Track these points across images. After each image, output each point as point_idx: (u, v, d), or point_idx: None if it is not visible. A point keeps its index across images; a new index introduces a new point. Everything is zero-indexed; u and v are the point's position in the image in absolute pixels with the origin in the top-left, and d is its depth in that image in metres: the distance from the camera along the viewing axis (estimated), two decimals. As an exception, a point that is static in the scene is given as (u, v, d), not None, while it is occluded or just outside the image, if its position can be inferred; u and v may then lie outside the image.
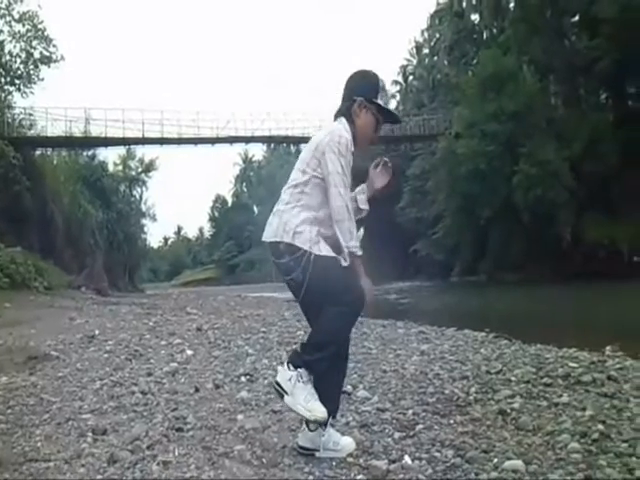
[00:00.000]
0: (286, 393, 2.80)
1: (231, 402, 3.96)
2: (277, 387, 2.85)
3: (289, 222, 2.86)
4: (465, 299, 22.99)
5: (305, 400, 2.78)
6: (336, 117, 3.06)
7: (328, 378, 2.96)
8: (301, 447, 2.93)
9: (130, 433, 3.24)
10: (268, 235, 2.94)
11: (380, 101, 3.04)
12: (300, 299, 2.92)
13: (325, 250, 2.85)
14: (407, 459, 2.78)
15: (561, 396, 3.90)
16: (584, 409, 3.55)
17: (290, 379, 2.80)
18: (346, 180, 2.88)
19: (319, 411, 2.78)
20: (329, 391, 2.95)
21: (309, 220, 2.88)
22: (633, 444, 2.91)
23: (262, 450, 2.96)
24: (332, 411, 2.96)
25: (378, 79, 3.10)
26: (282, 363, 2.93)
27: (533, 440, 3.06)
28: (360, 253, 2.84)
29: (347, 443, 2.93)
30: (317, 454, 2.88)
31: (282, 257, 2.85)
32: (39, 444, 3.16)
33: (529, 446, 2.97)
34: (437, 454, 2.86)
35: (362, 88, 3.05)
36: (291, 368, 2.82)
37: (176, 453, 2.92)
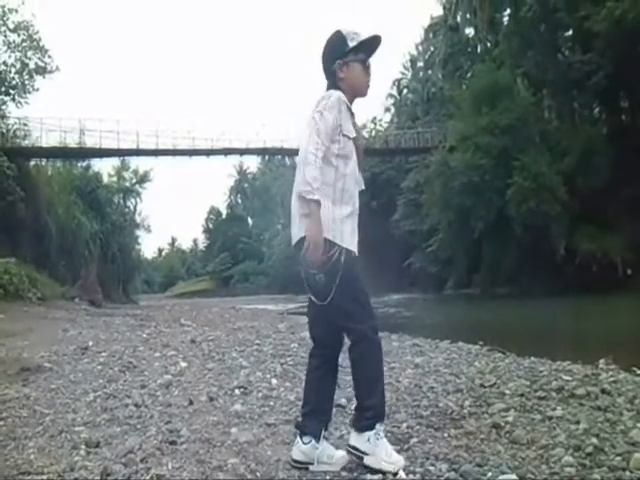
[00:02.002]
0: (366, 454, 2.80)
1: (225, 415, 3.95)
2: (354, 451, 2.85)
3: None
4: (459, 312, 23.01)
5: (387, 455, 2.81)
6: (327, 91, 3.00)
7: (321, 389, 2.97)
8: (295, 461, 2.91)
9: (123, 446, 3.22)
10: (295, 234, 2.90)
11: (352, 43, 2.98)
12: (328, 300, 2.79)
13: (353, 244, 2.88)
14: (401, 473, 2.77)
15: (555, 409, 3.90)
16: (578, 422, 3.55)
17: (369, 440, 2.81)
18: (324, 132, 2.81)
19: (400, 459, 2.84)
20: (322, 402, 2.96)
21: (330, 208, 2.83)
22: (627, 458, 2.92)
23: (256, 464, 2.94)
24: (325, 422, 2.98)
25: (339, 32, 3.02)
26: (354, 429, 2.91)
27: (527, 454, 3.06)
28: (309, 197, 2.71)
29: (341, 456, 2.91)
30: (311, 467, 2.86)
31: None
32: (32, 457, 3.14)
33: (523, 460, 2.97)
34: (431, 468, 2.85)
35: (332, 53, 3.01)
36: (365, 432, 2.82)
37: (170, 466, 2.91)
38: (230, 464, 2.93)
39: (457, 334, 9.91)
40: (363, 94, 3.07)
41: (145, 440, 3.33)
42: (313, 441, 2.88)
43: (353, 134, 2.95)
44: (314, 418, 2.93)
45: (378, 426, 2.83)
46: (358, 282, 2.89)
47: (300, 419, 3.05)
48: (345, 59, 2.98)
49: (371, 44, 3.03)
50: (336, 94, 2.90)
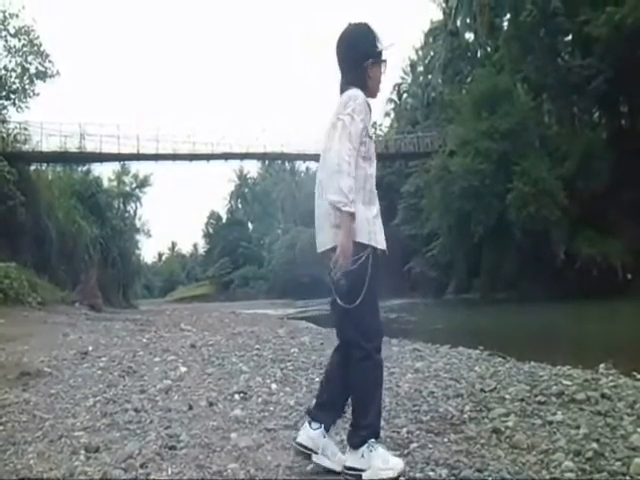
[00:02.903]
0: (362, 471, 2.76)
1: (225, 420, 3.94)
2: (351, 472, 2.79)
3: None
4: (459, 317, 23.01)
5: (384, 463, 2.77)
6: (344, 90, 2.95)
7: (339, 385, 2.95)
8: (299, 444, 2.89)
9: (123, 451, 3.22)
10: (323, 243, 2.88)
11: (381, 45, 2.97)
12: (354, 305, 2.77)
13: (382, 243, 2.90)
14: (401, 478, 2.77)
15: (555, 414, 3.89)
16: (578, 427, 3.54)
17: (363, 455, 2.78)
18: (355, 136, 2.78)
19: (399, 463, 2.81)
20: (337, 398, 2.96)
21: (362, 209, 2.83)
22: (627, 463, 2.91)
23: (255, 469, 2.94)
24: (336, 418, 3.00)
25: (369, 27, 2.99)
26: (348, 448, 2.87)
27: (527, 459, 3.05)
28: (346, 209, 2.69)
29: (343, 458, 2.91)
30: (313, 457, 2.86)
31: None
32: (31, 462, 3.14)
33: (523, 465, 2.96)
34: (431, 473, 2.84)
35: (365, 50, 2.95)
36: (359, 448, 2.80)
37: (169, 472, 2.91)
38: (230, 469, 2.93)
39: (457, 339, 9.92)
40: (375, 96, 3.06)
41: (145, 445, 3.33)
42: (322, 428, 2.88)
43: (372, 134, 2.96)
44: (326, 410, 2.93)
45: (369, 441, 2.80)
46: (377, 294, 2.89)
47: (312, 406, 3.04)
48: (376, 59, 2.96)
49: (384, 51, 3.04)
50: (362, 95, 2.88)
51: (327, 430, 2.90)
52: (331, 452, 2.90)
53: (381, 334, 2.93)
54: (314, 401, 3.09)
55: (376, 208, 2.94)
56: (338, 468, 2.87)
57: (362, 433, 2.81)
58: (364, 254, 2.78)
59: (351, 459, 2.81)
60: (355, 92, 2.88)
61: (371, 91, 2.99)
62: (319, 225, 2.93)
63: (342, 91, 2.98)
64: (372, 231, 2.84)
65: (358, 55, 2.96)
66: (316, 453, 2.87)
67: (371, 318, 2.84)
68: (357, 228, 2.78)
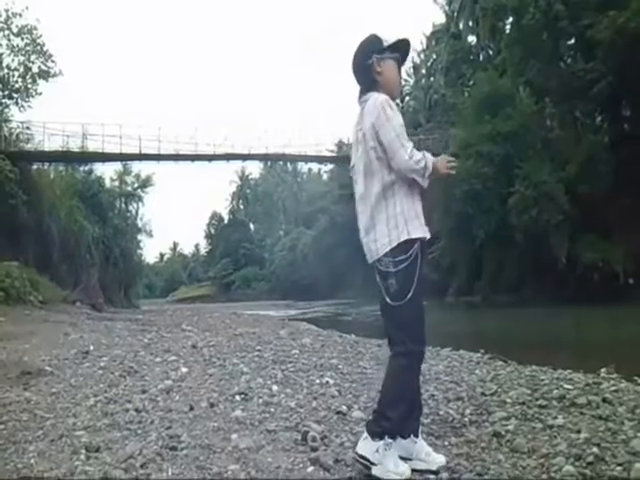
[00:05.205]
0: (374, 464, 2.78)
1: (225, 421, 3.94)
2: (361, 460, 2.82)
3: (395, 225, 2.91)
4: (460, 320, 22.97)
5: (395, 465, 2.80)
6: (362, 96, 2.99)
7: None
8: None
9: (124, 451, 3.22)
10: (373, 250, 2.95)
11: (387, 43, 2.99)
12: (403, 302, 2.86)
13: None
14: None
15: (556, 418, 3.89)
16: (579, 431, 3.54)
17: (377, 450, 2.79)
18: (405, 137, 2.85)
19: (407, 470, 2.85)
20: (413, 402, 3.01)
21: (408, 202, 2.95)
22: (627, 467, 2.91)
23: (256, 470, 2.94)
24: (419, 416, 3.13)
25: (374, 34, 3.03)
26: (365, 435, 2.89)
27: (528, 463, 3.05)
28: (424, 172, 3.00)
29: (438, 457, 2.98)
30: (409, 463, 2.90)
31: (387, 256, 2.88)
32: (32, 461, 3.14)
33: (524, 469, 2.96)
34: (432, 476, 2.85)
35: (369, 49, 2.99)
36: (375, 439, 2.81)
37: (170, 472, 2.91)
38: (230, 470, 2.93)
39: (458, 342, 9.89)
40: (397, 94, 3.08)
41: (145, 445, 3.33)
42: (411, 436, 2.96)
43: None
44: (410, 416, 2.96)
45: (387, 438, 2.82)
46: (422, 297, 2.95)
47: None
48: (382, 55, 2.97)
49: (404, 47, 3.06)
50: (385, 99, 2.88)
51: (416, 435, 2.98)
52: (425, 453, 2.96)
53: (424, 342, 2.98)
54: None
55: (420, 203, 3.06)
56: (434, 467, 2.91)
57: (383, 423, 2.83)
58: (413, 250, 2.86)
59: (365, 448, 2.82)
60: (378, 97, 2.90)
61: (388, 87, 2.99)
62: (366, 228, 3.00)
63: (360, 100, 3.01)
64: (421, 223, 2.97)
65: (362, 57, 3.00)
66: (410, 459, 2.92)
67: (418, 322, 2.92)
68: (407, 223, 2.91)
